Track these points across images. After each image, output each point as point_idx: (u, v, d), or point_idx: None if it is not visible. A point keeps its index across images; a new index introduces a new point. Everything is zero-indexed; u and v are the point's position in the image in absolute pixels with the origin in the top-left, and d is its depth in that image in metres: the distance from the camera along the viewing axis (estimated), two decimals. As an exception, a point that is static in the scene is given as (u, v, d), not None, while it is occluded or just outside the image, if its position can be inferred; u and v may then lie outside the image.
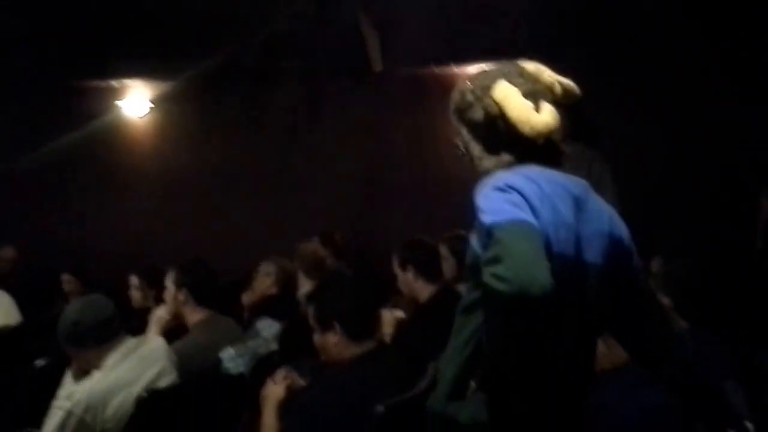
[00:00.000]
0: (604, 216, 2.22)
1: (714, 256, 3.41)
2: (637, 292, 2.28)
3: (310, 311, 3.54)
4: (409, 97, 7.58)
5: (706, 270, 3.26)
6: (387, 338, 4.31)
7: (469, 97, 2.25)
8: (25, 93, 8.45)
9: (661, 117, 7.30)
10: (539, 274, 1.81)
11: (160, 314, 4.73)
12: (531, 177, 2.08)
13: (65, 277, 6.91)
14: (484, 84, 2.22)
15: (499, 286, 1.80)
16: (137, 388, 3.74)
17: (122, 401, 3.68)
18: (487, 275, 1.84)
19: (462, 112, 2.28)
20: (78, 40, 7.45)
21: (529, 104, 2.15)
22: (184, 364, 4.08)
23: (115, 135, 9.11)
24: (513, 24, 6.90)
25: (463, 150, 2.33)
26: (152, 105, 9.14)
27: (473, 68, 8.02)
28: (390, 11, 7.04)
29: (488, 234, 1.91)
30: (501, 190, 2.00)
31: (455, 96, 2.30)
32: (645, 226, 5.48)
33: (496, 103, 2.17)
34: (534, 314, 1.86)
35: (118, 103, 9.10)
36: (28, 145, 8.30)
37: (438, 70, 7.84)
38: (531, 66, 2.25)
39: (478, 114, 2.23)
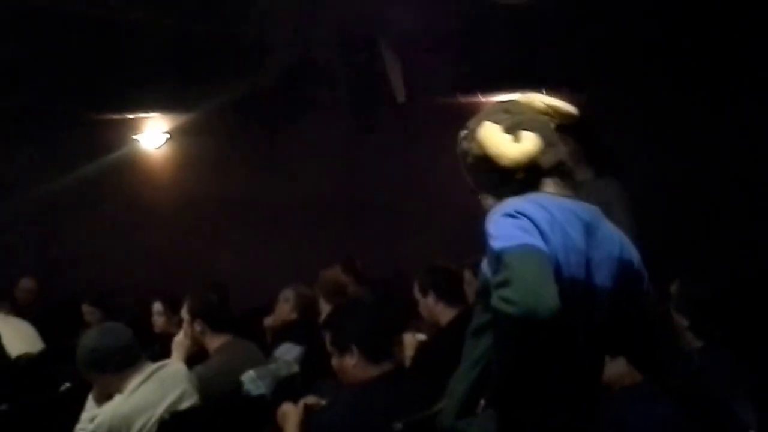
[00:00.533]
0: (615, 241, 2.27)
1: (730, 277, 3.45)
2: (646, 314, 2.33)
3: (327, 336, 3.59)
4: (432, 125, 7.65)
5: (721, 291, 3.31)
6: (408, 361, 4.36)
7: (464, 144, 2.39)
8: (42, 125, 8.50)
9: (681, 140, 7.30)
10: (547, 297, 1.86)
11: (181, 340, 4.79)
12: (540, 203, 2.14)
13: (86, 308, 6.95)
14: (472, 128, 2.35)
15: (508, 308, 1.85)
16: (159, 411, 3.79)
17: (144, 423, 3.73)
18: (495, 298, 1.90)
19: (462, 158, 2.40)
20: (95, 73, 7.50)
21: (506, 137, 2.26)
22: (205, 387, 4.13)
23: (132, 167, 9.21)
24: (536, 53, 6.97)
25: (475, 191, 2.42)
26: (169, 137, 9.22)
27: (497, 97, 8.17)
28: (413, 41, 7.11)
29: (498, 259, 1.97)
30: (510, 216, 2.05)
31: (457, 146, 2.44)
32: (664, 249, 5.54)
33: (479, 143, 2.29)
34: (541, 335, 1.90)
35: (135, 135, 9.19)
36: (45, 176, 8.39)
37: (462, 99, 7.91)
38: (523, 98, 2.39)
39: (470, 157, 2.35)
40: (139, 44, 7.15)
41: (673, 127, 7.29)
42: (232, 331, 4.76)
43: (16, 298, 7.47)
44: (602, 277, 2.19)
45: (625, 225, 4.84)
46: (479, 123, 2.32)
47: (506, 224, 2.03)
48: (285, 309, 5.51)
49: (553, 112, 2.41)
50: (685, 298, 3.37)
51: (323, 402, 3.61)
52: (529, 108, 2.37)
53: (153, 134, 9.21)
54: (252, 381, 4.18)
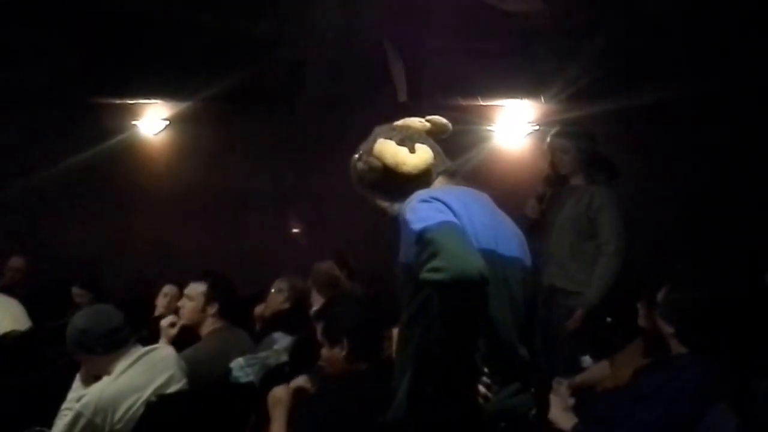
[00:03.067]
0: (509, 223, 2.59)
1: (718, 287, 3.51)
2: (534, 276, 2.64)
3: (319, 327, 3.66)
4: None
5: (707, 299, 3.36)
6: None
7: (360, 165, 2.63)
8: (42, 109, 8.51)
9: (672, 146, 7.39)
10: (473, 259, 2.04)
11: (169, 323, 4.84)
12: (448, 190, 2.44)
13: (76, 291, 7.01)
14: (366, 147, 2.62)
15: (438, 276, 2.01)
16: (147, 393, 3.82)
17: (131, 405, 3.76)
18: (424, 272, 2.05)
19: (360, 181, 2.65)
20: (96, 58, 7.53)
21: (402, 149, 2.54)
22: (193, 371, 4.17)
23: (130, 153, 9.23)
24: (540, 61, 7.03)
25: (379, 209, 2.65)
26: (168, 123, 9.26)
27: (498, 101, 8.23)
28: (416, 42, 7.15)
29: (419, 238, 2.15)
30: (425, 201, 2.28)
31: (351, 172, 2.68)
32: (651, 256, 5.62)
33: (377, 157, 2.53)
34: (475, 298, 2.09)
35: (135, 121, 9.23)
36: (44, 160, 8.42)
37: (463, 101, 7.97)
38: (400, 121, 2.68)
39: (370, 174, 2.60)
40: (143, 31, 7.19)
41: (663, 136, 7.37)
42: (229, 319, 4.83)
43: (4, 277, 7.53)
44: (511, 250, 2.44)
45: (614, 231, 5.00)
46: (372, 141, 2.59)
47: (422, 208, 2.25)
48: (278, 299, 5.55)
49: (432, 127, 2.67)
50: (671, 305, 3.42)
51: (312, 385, 3.69)
52: (411, 127, 2.66)
53: (152, 121, 9.25)
54: (241, 368, 4.21)
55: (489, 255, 2.25)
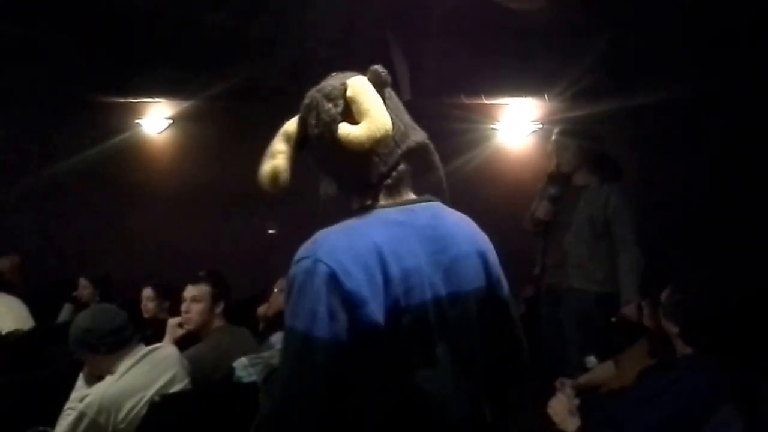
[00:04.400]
0: (463, 236, 2.15)
1: (723, 286, 3.49)
2: (501, 304, 2.23)
3: None
4: (435, 125, 7.66)
5: (712, 299, 3.34)
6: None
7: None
8: (45, 108, 8.56)
9: (677, 144, 7.39)
10: (305, 403, 1.85)
11: (175, 324, 4.85)
12: (358, 234, 1.96)
13: (82, 282, 7.02)
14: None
15: (270, 405, 1.89)
16: (150, 393, 3.83)
17: (135, 405, 3.76)
18: (263, 392, 2.01)
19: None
20: (99, 57, 7.52)
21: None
22: (196, 371, 4.19)
23: (134, 151, 9.25)
24: (544, 59, 7.02)
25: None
26: (171, 122, 9.29)
27: (502, 100, 8.23)
28: (419, 40, 7.15)
29: (284, 337, 1.92)
30: (307, 277, 1.88)
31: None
32: (659, 257, 5.62)
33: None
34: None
35: (138, 120, 9.26)
36: (47, 159, 8.43)
37: (467, 100, 7.96)
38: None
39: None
40: (146, 29, 7.18)
41: (667, 134, 7.36)
42: (229, 318, 4.84)
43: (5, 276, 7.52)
44: (460, 281, 2.07)
45: (627, 231, 5.01)
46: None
47: (300, 292, 1.89)
48: (281, 299, 5.54)
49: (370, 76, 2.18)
50: (675, 305, 3.40)
51: None
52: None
53: (155, 119, 9.28)
54: (244, 368, 4.20)
55: (420, 308, 1.94)
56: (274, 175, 2.12)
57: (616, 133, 6.25)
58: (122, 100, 8.98)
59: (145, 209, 8.98)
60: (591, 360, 4.50)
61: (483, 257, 2.17)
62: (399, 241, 1.97)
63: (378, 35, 7.09)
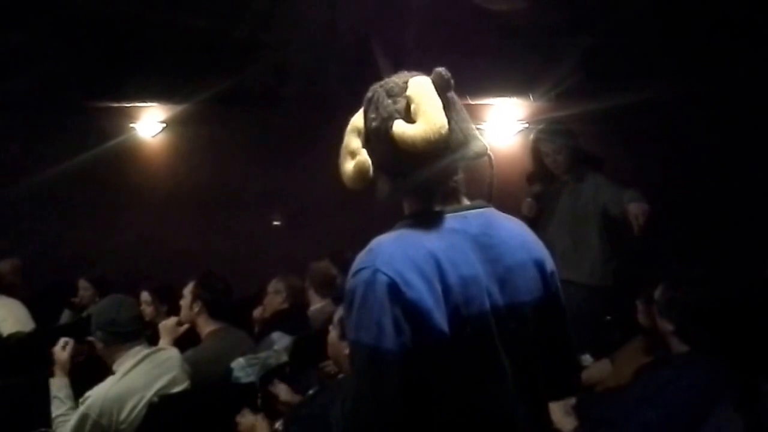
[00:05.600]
0: (518, 244, 2.05)
1: (717, 283, 3.45)
2: (560, 315, 2.17)
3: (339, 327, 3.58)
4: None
5: (707, 296, 3.31)
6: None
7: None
8: (39, 112, 8.47)
9: (665, 143, 7.38)
10: (386, 413, 1.79)
11: (169, 324, 4.82)
12: (414, 243, 1.88)
13: (82, 283, 6.98)
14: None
15: (355, 422, 1.84)
16: (150, 394, 3.84)
17: (135, 405, 3.78)
18: (346, 415, 1.95)
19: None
20: (93, 61, 7.49)
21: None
22: (195, 372, 4.18)
23: (128, 155, 9.20)
24: (528, 59, 7.01)
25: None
26: (165, 125, 9.23)
27: (487, 100, 8.21)
28: (404, 41, 7.13)
29: (350, 353, 1.86)
30: (368, 287, 1.81)
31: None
32: (650, 252, 5.60)
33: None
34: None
35: (132, 124, 9.19)
36: (41, 163, 8.37)
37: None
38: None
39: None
40: (139, 34, 7.15)
41: (659, 131, 7.36)
42: (227, 320, 4.79)
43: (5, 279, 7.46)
44: (515, 290, 1.98)
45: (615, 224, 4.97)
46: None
47: (361, 305, 1.82)
48: (276, 300, 5.51)
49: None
50: (670, 302, 3.35)
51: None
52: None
53: (149, 123, 9.22)
54: (241, 368, 4.19)
55: (480, 317, 1.87)
56: (362, 172, 2.01)
57: (601, 132, 6.23)
58: (116, 105, 8.95)
59: (140, 212, 8.91)
60: (586, 358, 4.47)
61: (540, 266, 2.08)
62: (454, 249, 1.90)
63: (361, 37, 7.08)
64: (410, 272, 1.80)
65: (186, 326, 4.80)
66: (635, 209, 4.73)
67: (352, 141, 2.06)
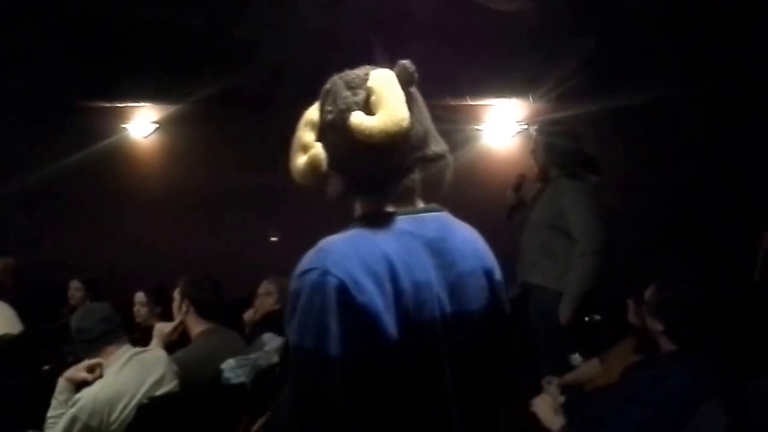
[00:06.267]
0: (471, 251, 1.98)
1: (709, 283, 3.51)
2: (503, 325, 2.07)
3: None
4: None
5: (697, 296, 3.36)
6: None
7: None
8: (31, 113, 8.52)
9: (662, 145, 7.43)
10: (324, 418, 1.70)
11: (162, 327, 4.85)
12: (364, 241, 1.80)
13: (74, 284, 7.03)
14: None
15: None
16: (140, 395, 3.86)
17: (125, 407, 3.79)
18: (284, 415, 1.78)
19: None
20: (85, 61, 7.50)
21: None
22: (185, 373, 4.19)
23: (120, 156, 9.25)
24: (529, 60, 7.05)
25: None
26: (158, 126, 9.29)
27: (487, 101, 8.26)
28: (403, 42, 7.16)
29: (291, 358, 1.73)
30: (314, 287, 1.71)
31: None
32: (644, 255, 5.65)
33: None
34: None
35: (124, 124, 9.26)
36: (33, 163, 8.41)
37: (452, 101, 7.99)
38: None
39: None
40: (131, 34, 7.17)
41: (655, 131, 7.41)
42: (217, 320, 4.81)
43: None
44: (463, 299, 1.91)
45: (585, 226, 5.00)
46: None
47: (308, 304, 1.71)
48: (268, 301, 5.51)
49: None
50: (660, 302, 3.42)
51: None
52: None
53: (142, 123, 9.28)
54: (232, 369, 4.21)
55: (431, 324, 1.81)
56: (315, 166, 1.89)
57: (601, 133, 6.27)
58: (108, 105, 8.98)
59: (132, 213, 8.96)
60: (576, 358, 4.52)
61: (489, 275, 2.01)
62: (408, 253, 1.82)
63: (361, 37, 7.11)
64: (362, 274, 1.72)
65: (178, 332, 4.83)
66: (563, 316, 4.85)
67: (305, 134, 1.96)
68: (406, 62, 1.96)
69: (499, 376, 2.06)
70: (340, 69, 2.03)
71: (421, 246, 1.85)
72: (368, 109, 1.85)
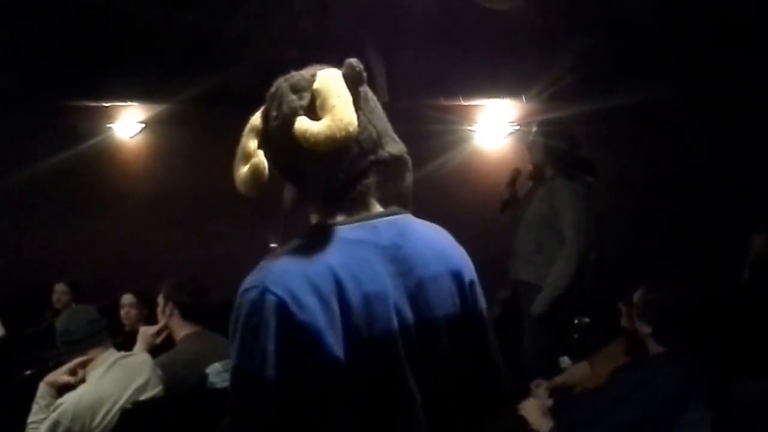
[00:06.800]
0: (433, 255, 1.90)
1: (695, 286, 3.55)
2: (482, 332, 2.00)
3: None
4: (413, 126, 7.67)
5: (685, 298, 3.39)
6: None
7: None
8: (16, 112, 8.50)
9: (653, 146, 7.45)
10: None
11: (146, 330, 4.85)
12: (309, 256, 1.73)
13: (60, 287, 7.03)
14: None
15: None
16: (123, 399, 3.86)
17: (108, 411, 3.79)
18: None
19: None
20: (71, 60, 7.49)
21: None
22: (169, 377, 4.19)
23: (106, 156, 9.22)
24: (521, 60, 7.06)
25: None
26: (144, 126, 9.25)
27: (480, 101, 8.27)
28: (397, 41, 7.17)
29: (230, 379, 1.73)
30: (253, 308, 1.67)
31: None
32: (629, 255, 5.67)
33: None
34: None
35: (110, 124, 9.22)
36: (18, 164, 8.40)
37: (445, 101, 8.00)
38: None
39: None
40: (117, 32, 7.16)
41: (645, 134, 7.43)
42: (202, 323, 4.80)
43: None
44: (426, 307, 1.83)
45: (573, 224, 5.09)
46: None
47: (246, 323, 1.68)
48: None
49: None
50: (648, 304, 3.45)
51: None
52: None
53: (128, 123, 9.25)
54: (217, 373, 4.19)
55: (386, 336, 1.73)
56: (257, 176, 1.82)
57: (593, 134, 6.30)
58: (94, 104, 8.96)
59: (117, 214, 8.94)
60: (565, 360, 4.54)
61: (457, 278, 1.92)
62: (358, 264, 1.74)
63: (354, 36, 7.12)
64: (304, 291, 1.66)
65: (164, 335, 4.83)
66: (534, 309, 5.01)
67: (249, 142, 1.88)
68: (353, 61, 1.86)
69: (480, 384, 1.99)
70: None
71: (375, 255, 1.78)
72: (314, 113, 1.77)
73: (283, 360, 1.64)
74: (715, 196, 7.06)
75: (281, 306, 1.64)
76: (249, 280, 1.72)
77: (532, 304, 5.16)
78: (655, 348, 3.42)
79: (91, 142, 8.93)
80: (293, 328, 1.64)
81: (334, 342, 1.66)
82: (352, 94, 1.80)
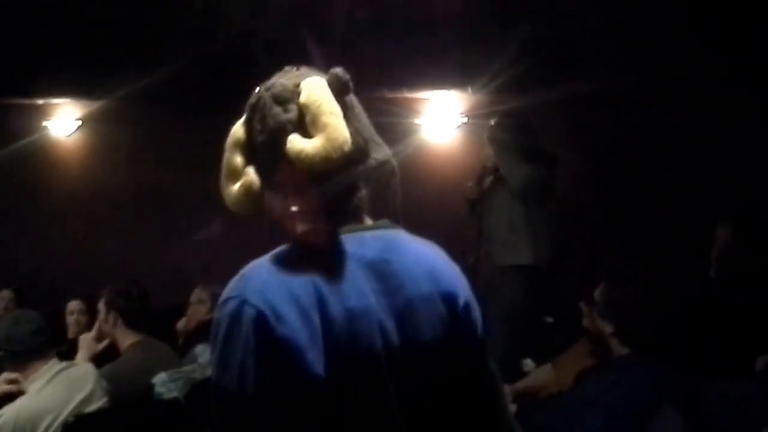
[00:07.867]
0: (424, 274, 1.84)
1: (658, 282, 3.52)
2: (472, 357, 1.92)
3: None
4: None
5: (647, 296, 3.36)
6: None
7: None
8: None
9: (610, 136, 7.49)
10: None
11: (88, 338, 4.77)
12: (291, 267, 1.70)
13: (5, 294, 6.92)
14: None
15: None
16: (66, 412, 3.80)
17: (50, 424, 3.73)
18: None
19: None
20: (1, 55, 7.41)
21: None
22: (114, 388, 4.13)
23: (40, 156, 9.06)
24: (464, 53, 7.06)
25: None
26: (81, 124, 9.11)
27: (425, 93, 8.25)
28: (336, 29, 7.13)
29: (213, 393, 1.67)
30: (232, 321, 1.64)
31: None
32: (596, 254, 5.69)
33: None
34: None
35: (45, 122, 9.05)
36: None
37: (389, 93, 7.97)
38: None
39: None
40: (52, 26, 7.05)
41: (596, 126, 7.47)
42: (146, 330, 4.74)
43: None
44: (414, 329, 1.77)
45: (519, 225, 5.17)
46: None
47: (226, 337, 1.65)
48: (200, 310, 5.46)
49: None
50: (609, 302, 3.42)
51: None
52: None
53: (64, 121, 9.09)
54: (163, 383, 4.14)
55: (369, 355, 1.69)
56: (251, 195, 1.80)
57: (545, 124, 6.31)
58: (27, 101, 8.80)
59: (54, 215, 8.81)
60: (528, 363, 4.53)
61: (449, 300, 1.85)
62: (343, 277, 1.70)
63: (292, 32, 7.06)
64: (284, 303, 1.62)
65: (106, 342, 4.75)
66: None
67: (234, 158, 1.83)
68: (338, 70, 1.81)
69: (471, 412, 1.91)
70: (272, 65, 1.93)
71: (361, 269, 1.74)
72: (304, 129, 1.73)
73: (262, 375, 1.60)
74: (678, 188, 7.10)
75: (260, 319, 1.61)
76: (228, 289, 1.68)
77: (514, 288, 5.23)
78: (618, 349, 3.38)
79: (26, 141, 8.76)
80: (272, 343, 1.60)
81: (314, 357, 1.62)
82: (340, 105, 1.76)
